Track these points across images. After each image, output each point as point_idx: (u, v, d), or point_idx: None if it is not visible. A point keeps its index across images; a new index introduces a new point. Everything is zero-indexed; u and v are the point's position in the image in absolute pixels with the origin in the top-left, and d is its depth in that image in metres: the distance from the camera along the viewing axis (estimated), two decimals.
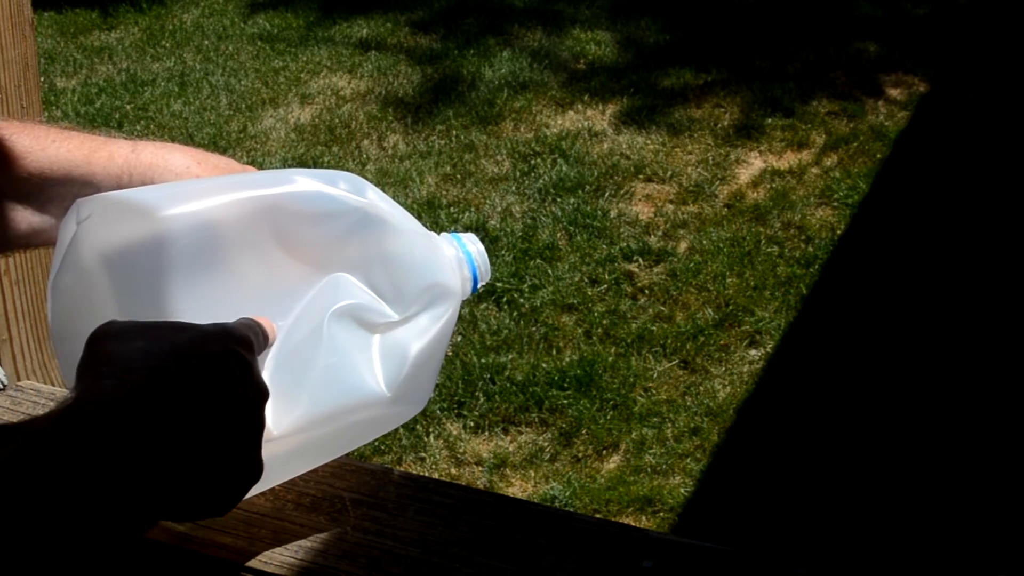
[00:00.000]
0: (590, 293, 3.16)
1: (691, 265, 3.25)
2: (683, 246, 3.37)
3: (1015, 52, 4.47)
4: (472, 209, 3.58)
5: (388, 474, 0.81)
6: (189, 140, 4.10)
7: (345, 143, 4.08)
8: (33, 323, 1.04)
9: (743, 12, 4.93)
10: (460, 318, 1.01)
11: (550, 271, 3.24)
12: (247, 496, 0.64)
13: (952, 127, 3.98)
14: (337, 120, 4.23)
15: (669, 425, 2.68)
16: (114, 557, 0.54)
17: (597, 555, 0.74)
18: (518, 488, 2.55)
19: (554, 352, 2.94)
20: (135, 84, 4.65)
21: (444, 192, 3.71)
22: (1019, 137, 3.84)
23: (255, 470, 0.63)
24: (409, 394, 0.75)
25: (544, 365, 2.87)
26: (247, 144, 4.10)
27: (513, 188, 3.69)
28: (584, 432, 2.68)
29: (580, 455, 2.63)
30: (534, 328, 3.02)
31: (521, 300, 3.12)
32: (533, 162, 3.82)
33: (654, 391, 2.80)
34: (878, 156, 3.81)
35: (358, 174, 0.78)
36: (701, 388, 2.80)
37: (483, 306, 3.12)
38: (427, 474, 2.53)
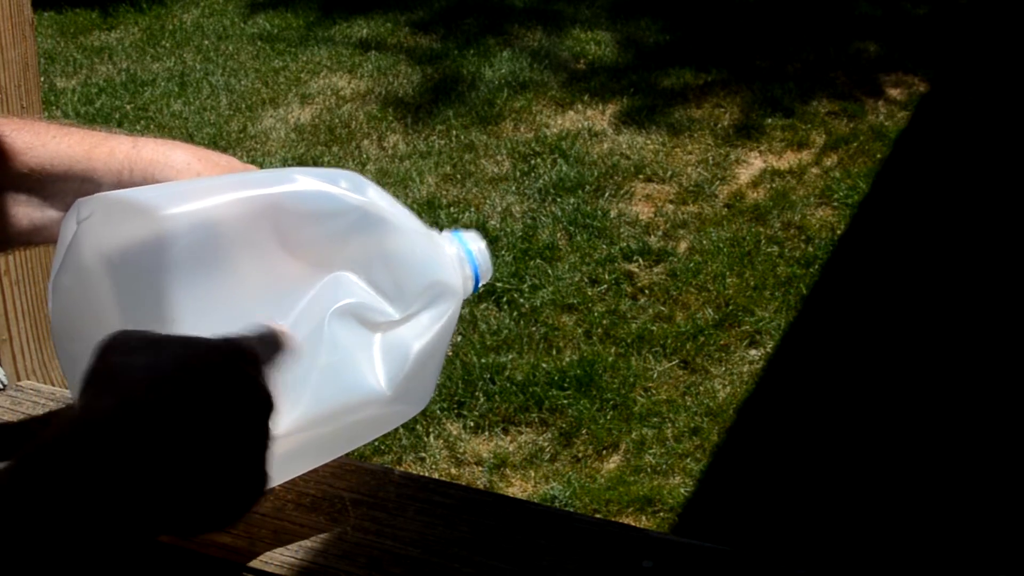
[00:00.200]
0: (590, 293, 3.16)
1: (691, 265, 3.25)
2: (683, 246, 3.37)
3: (1015, 52, 4.47)
4: (472, 209, 3.58)
5: (388, 474, 0.81)
6: (189, 140, 4.08)
7: (345, 143, 4.08)
8: (33, 323, 1.04)
9: (743, 12, 4.92)
10: (460, 318, 1.01)
11: (550, 271, 3.24)
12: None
13: (952, 127, 3.98)
14: (337, 120, 4.23)
15: (669, 425, 2.68)
16: (114, 564, 0.54)
17: (597, 555, 0.73)
18: (518, 488, 2.55)
19: (554, 352, 2.94)
20: (135, 84, 4.65)
21: (444, 192, 3.71)
22: (1019, 137, 3.84)
23: (261, 482, 0.61)
24: (410, 393, 0.75)
25: (544, 365, 2.87)
26: (247, 144, 4.10)
27: (513, 188, 3.69)
28: (584, 432, 2.68)
29: (580, 455, 2.62)
30: (534, 328, 3.02)
31: (521, 300, 3.12)
32: (533, 162, 3.82)
33: (654, 391, 2.80)
34: (878, 156, 3.81)
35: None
36: (701, 388, 2.80)
37: (483, 306, 3.12)
38: (427, 474, 2.52)
